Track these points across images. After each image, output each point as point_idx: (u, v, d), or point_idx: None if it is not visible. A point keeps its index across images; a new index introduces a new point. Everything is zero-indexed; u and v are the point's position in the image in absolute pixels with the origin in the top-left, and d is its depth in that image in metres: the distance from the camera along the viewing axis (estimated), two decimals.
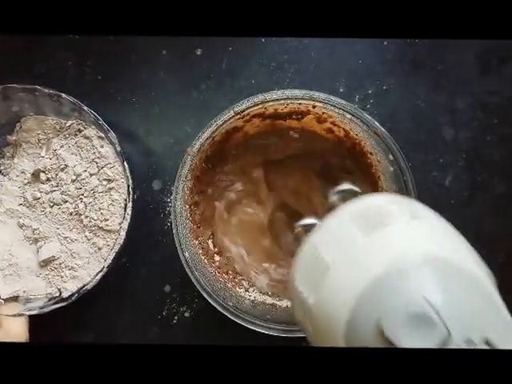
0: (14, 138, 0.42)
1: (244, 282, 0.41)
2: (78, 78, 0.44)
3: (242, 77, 0.44)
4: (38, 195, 0.41)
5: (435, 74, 0.44)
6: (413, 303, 0.19)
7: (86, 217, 0.40)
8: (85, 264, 0.40)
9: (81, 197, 0.41)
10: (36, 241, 0.41)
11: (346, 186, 0.28)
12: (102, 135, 0.40)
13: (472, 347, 0.18)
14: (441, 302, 0.19)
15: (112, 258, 0.37)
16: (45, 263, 0.40)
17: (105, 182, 0.40)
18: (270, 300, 0.40)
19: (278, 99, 0.36)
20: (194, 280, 0.36)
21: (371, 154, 0.39)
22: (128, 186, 0.38)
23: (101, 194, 0.40)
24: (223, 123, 0.36)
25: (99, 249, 0.40)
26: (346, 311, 0.20)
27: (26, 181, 0.42)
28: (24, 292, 0.40)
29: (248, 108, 0.36)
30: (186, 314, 0.42)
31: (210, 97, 0.44)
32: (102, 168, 0.41)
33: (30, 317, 0.38)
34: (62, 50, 0.44)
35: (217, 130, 0.36)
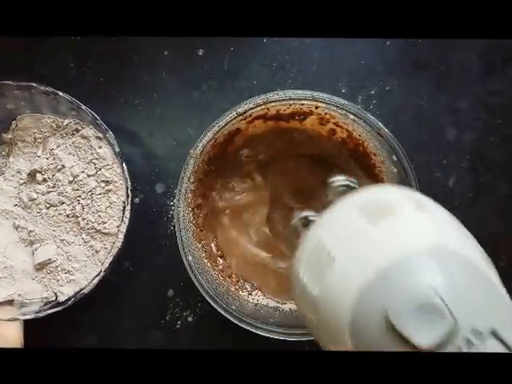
0: (9, 136, 0.41)
1: (247, 286, 0.40)
2: (79, 80, 0.43)
3: (244, 77, 0.43)
4: (34, 196, 0.40)
5: (438, 75, 0.43)
6: (419, 293, 0.19)
7: (83, 219, 0.40)
8: (82, 267, 0.39)
9: (78, 198, 0.40)
10: (32, 243, 0.40)
11: (342, 181, 0.28)
12: (101, 135, 0.40)
13: (478, 339, 0.18)
14: (446, 291, 0.19)
15: (109, 261, 0.37)
16: (40, 266, 0.40)
17: (103, 184, 0.40)
18: (273, 303, 0.40)
19: (280, 100, 0.36)
20: (197, 284, 0.35)
21: (375, 154, 0.38)
22: (127, 188, 0.37)
23: (99, 196, 0.40)
24: (225, 124, 0.36)
25: (96, 252, 0.40)
26: (351, 303, 0.20)
27: (21, 181, 0.41)
28: (19, 295, 0.39)
29: (250, 109, 0.36)
30: (190, 319, 0.42)
31: (211, 98, 0.43)
32: (100, 169, 0.40)
33: (26, 320, 0.37)
34: (62, 51, 0.43)
35: (219, 131, 0.36)
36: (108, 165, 0.40)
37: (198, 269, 0.36)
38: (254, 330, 0.35)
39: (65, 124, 0.41)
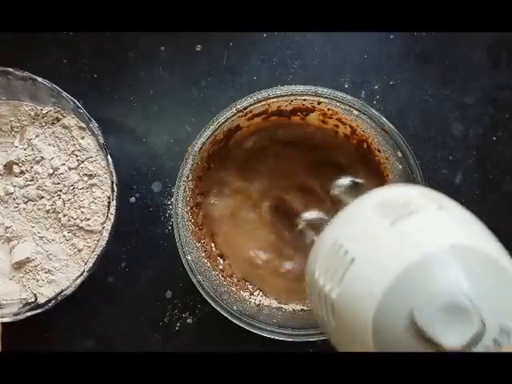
0: None
1: (249, 286, 0.40)
2: (73, 77, 0.42)
3: (244, 73, 0.43)
4: (11, 189, 0.38)
5: (443, 69, 0.42)
6: (445, 293, 0.19)
7: (65, 215, 0.37)
8: (63, 267, 0.37)
9: (59, 193, 0.37)
10: (9, 240, 0.38)
11: (348, 178, 0.28)
12: (83, 125, 0.37)
13: (505, 338, 0.18)
14: (473, 291, 0.19)
15: (93, 261, 0.35)
16: (18, 265, 0.37)
17: (86, 178, 0.38)
18: (275, 303, 0.39)
19: (281, 95, 0.35)
20: (196, 284, 0.35)
21: (379, 151, 0.38)
22: (112, 183, 0.35)
23: (81, 191, 0.37)
24: (225, 121, 0.35)
25: (79, 251, 0.37)
26: (374, 304, 0.20)
27: None
28: None
29: (250, 105, 0.35)
30: (189, 320, 0.41)
31: (210, 94, 0.42)
32: (83, 162, 0.38)
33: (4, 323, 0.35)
34: (56, 47, 0.42)
35: (218, 128, 0.35)
36: (91, 157, 0.38)
37: (197, 268, 0.35)
38: (256, 331, 0.35)
39: (44, 112, 0.38)
